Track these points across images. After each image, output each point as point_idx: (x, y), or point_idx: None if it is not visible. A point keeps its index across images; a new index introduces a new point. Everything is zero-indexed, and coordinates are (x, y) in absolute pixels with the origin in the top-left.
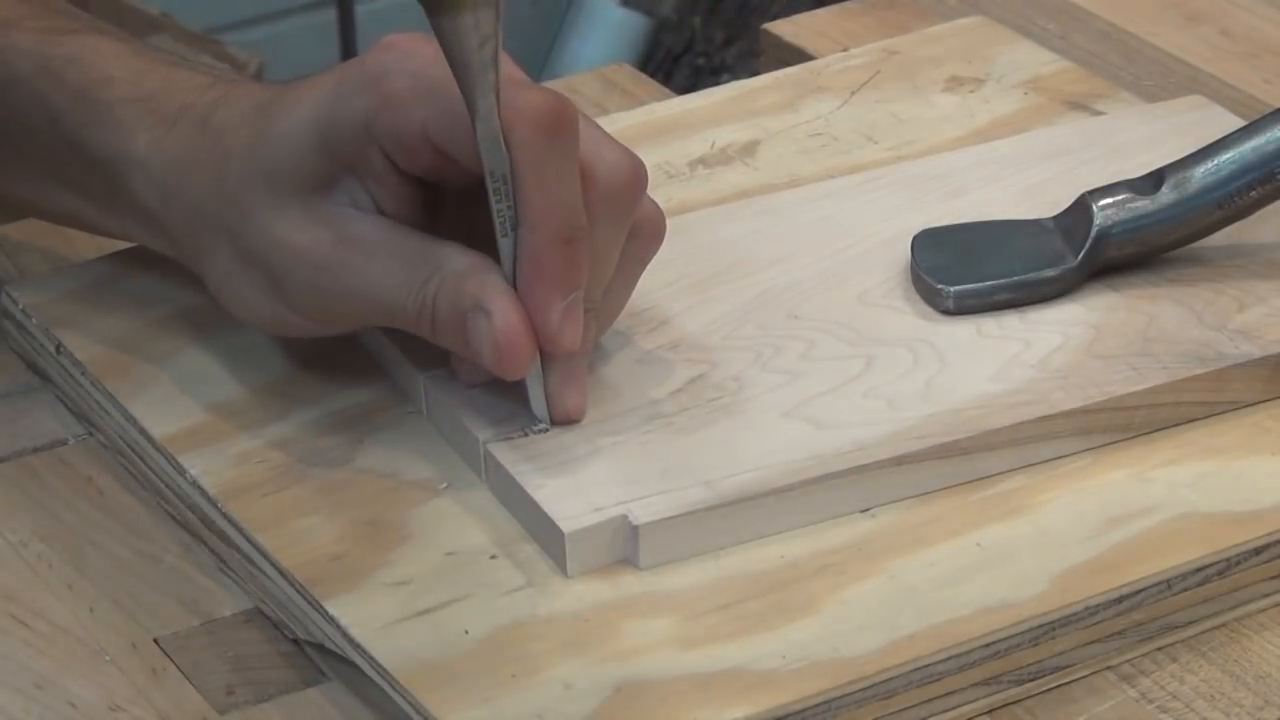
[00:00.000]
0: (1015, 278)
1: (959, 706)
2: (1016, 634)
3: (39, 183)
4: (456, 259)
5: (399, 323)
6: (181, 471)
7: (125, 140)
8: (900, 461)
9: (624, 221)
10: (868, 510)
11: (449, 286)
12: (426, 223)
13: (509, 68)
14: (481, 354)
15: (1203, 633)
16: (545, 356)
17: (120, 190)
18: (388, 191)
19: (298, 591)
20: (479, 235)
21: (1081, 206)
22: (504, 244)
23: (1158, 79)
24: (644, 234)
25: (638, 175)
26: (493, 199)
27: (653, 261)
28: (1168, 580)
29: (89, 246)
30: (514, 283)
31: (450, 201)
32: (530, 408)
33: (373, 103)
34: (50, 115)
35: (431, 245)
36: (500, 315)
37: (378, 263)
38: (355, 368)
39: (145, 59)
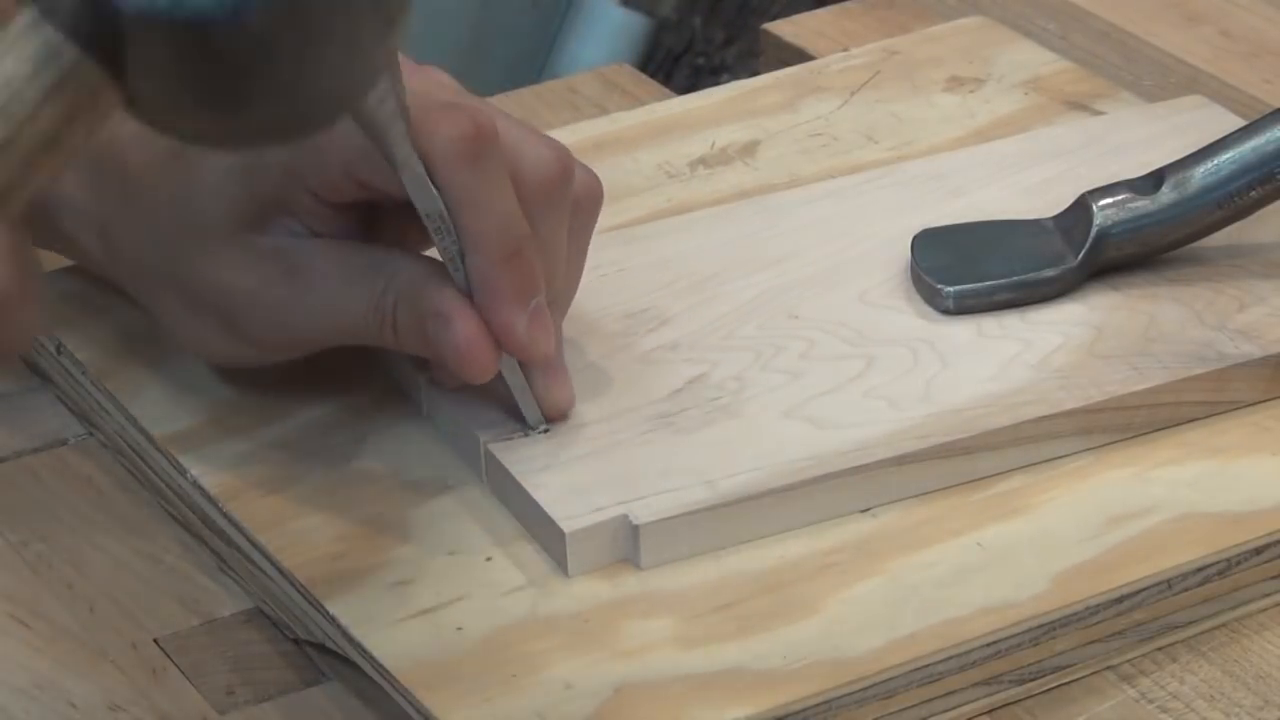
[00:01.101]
0: (1015, 278)
1: (959, 706)
2: (1016, 634)
3: None
4: (409, 267)
5: (362, 339)
6: (182, 471)
7: (57, 194)
8: (901, 461)
9: (562, 210)
10: (868, 510)
11: (406, 297)
12: (367, 232)
13: (420, 91)
14: (446, 360)
15: (1203, 633)
16: (523, 363)
17: (60, 229)
18: (322, 221)
19: (298, 591)
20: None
21: (1081, 206)
22: (457, 278)
23: (1158, 79)
24: (582, 208)
25: (564, 165)
26: (435, 239)
27: (653, 262)
28: (1168, 580)
29: None
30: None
31: (387, 205)
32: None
33: (290, 149)
34: None
35: (380, 256)
36: (460, 323)
37: (330, 286)
38: (355, 368)
39: None
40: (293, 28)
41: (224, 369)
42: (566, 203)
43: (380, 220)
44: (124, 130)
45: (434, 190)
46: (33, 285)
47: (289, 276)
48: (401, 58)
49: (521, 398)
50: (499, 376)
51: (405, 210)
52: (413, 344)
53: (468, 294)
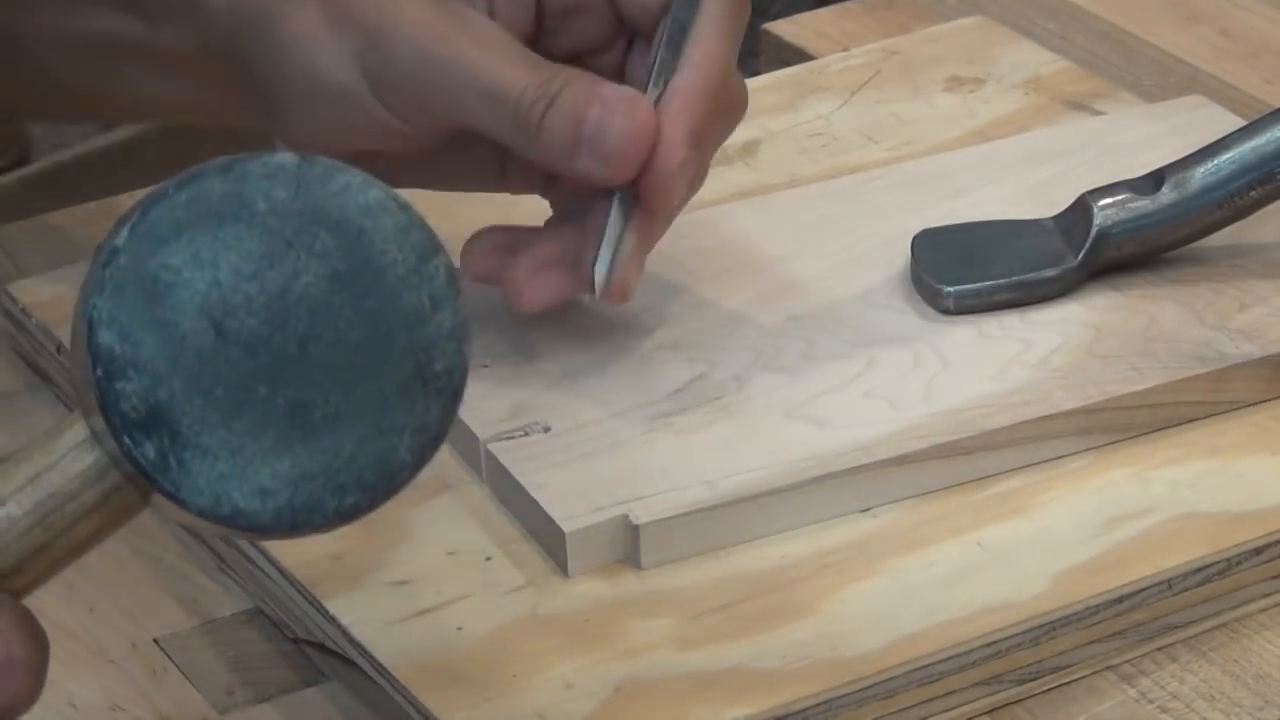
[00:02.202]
0: (1015, 278)
1: (959, 706)
2: (1017, 634)
3: (67, 3)
4: (586, 72)
5: (500, 114)
6: None
7: None
8: (901, 461)
9: (722, 140)
10: (868, 510)
11: (581, 85)
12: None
13: None
14: (602, 141)
15: (1203, 633)
16: (637, 213)
17: None
18: (514, 12)
19: (298, 591)
20: None
21: (1081, 206)
22: (652, 92)
23: (1158, 79)
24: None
25: (745, 105)
26: (662, 44)
27: (653, 261)
28: (1168, 580)
29: (89, 247)
30: None
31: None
32: (537, 404)
33: None
34: None
35: (555, 64)
36: (644, 111)
37: (501, 50)
38: None
39: None
40: (345, 522)
41: None
42: (723, 140)
43: None
44: None
45: (699, 4)
46: (42, 657)
47: (461, 24)
48: None
49: (606, 245)
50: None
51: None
52: (558, 131)
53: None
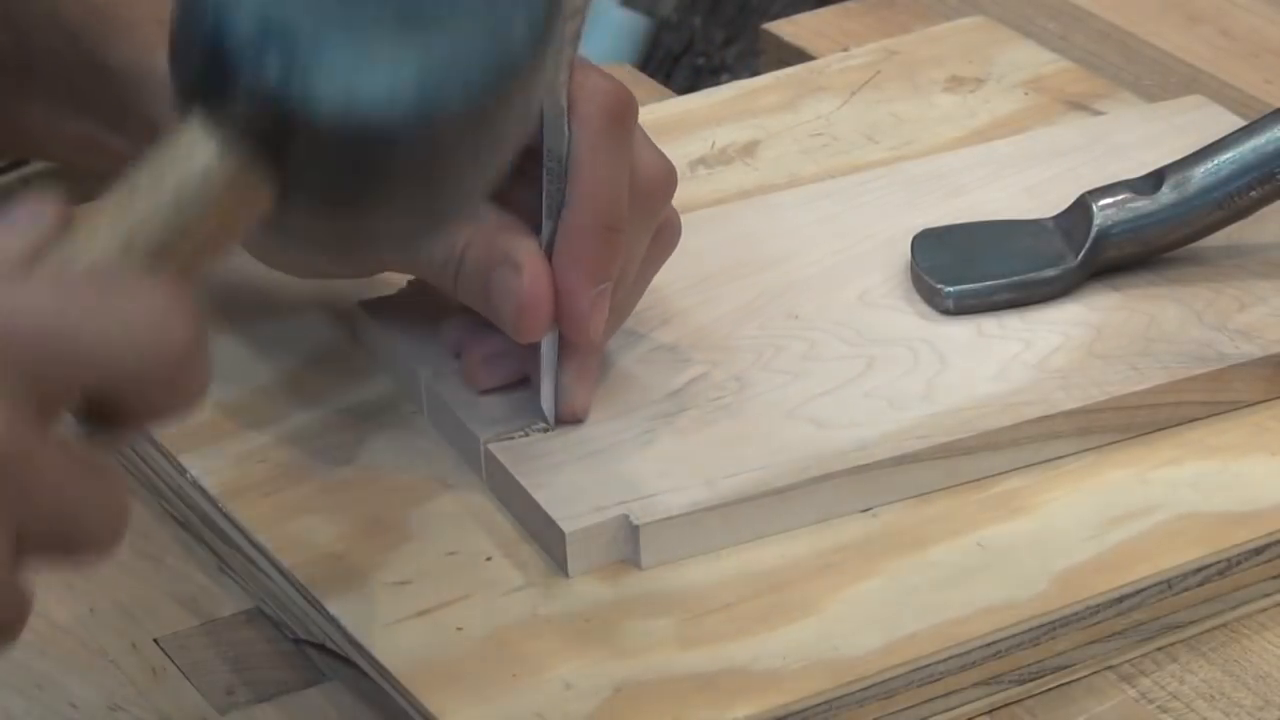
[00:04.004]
0: (1015, 278)
1: (959, 706)
2: (1017, 634)
3: (51, 105)
4: (490, 214)
5: (421, 270)
6: (182, 471)
7: (145, 55)
8: (901, 461)
9: (652, 223)
10: (869, 510)
11: (481, 238)
12: None
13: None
14: (502, 310)
15: (1203, 633)
16: (564, 347)
17: (135, 105)
18: None
19: (298, 591)
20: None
21: (1081, 206)
22: (547, 226)
23: (1158, 79)
24: (663, 238)
25: (672, 179)
26: (545, 182)
27: None
28: (1168, 580)
29: None
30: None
31: None
32: (537, 404)
33: None
34: (70, 33)
35: None
36: (530, 272)
37: None
38: (355, 368)
39: None
40: (472, 130)
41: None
42: (657, 219)
43: None
44: None
45: (566, 131)
46: (205, 340)
47: None
48: None
49: (545, 382)
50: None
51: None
52: (470, 289)
53: (545, 254)
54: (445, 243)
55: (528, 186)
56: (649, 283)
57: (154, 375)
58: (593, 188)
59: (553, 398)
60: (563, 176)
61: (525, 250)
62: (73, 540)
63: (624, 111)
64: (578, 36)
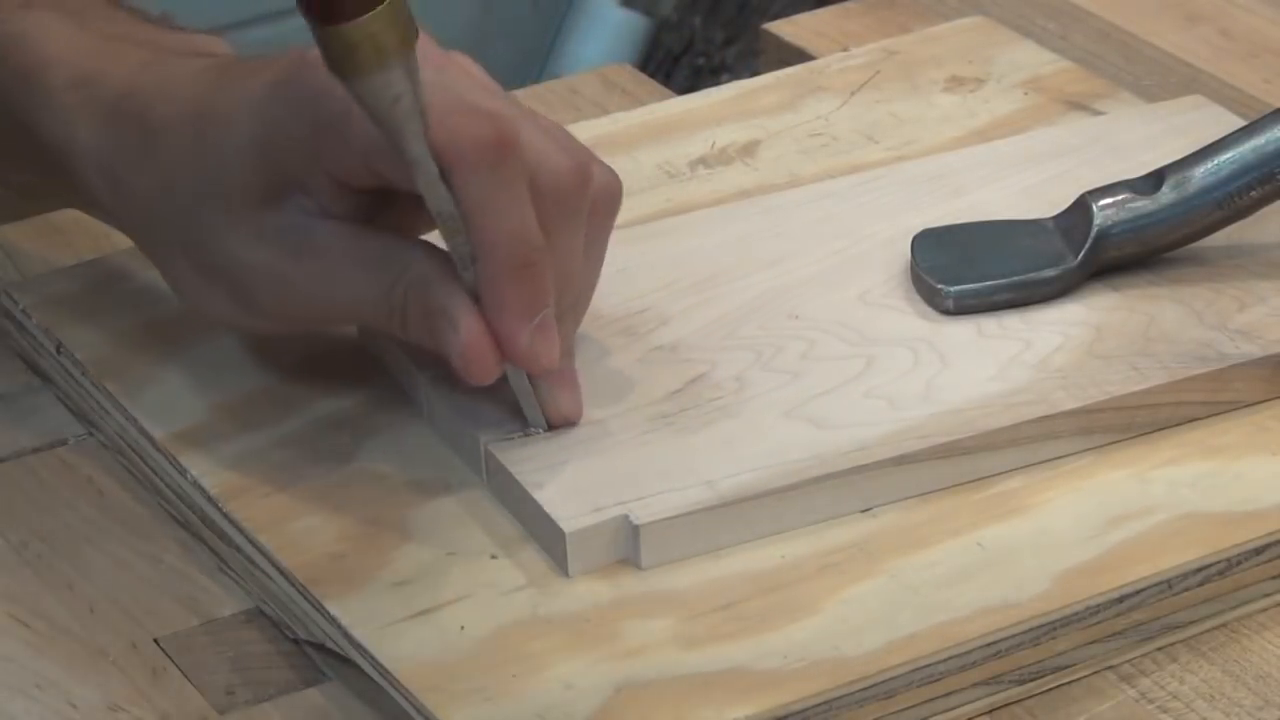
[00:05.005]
0: (1015, 278)
1: (959, 706)
2: (1017, 634)
3: None
4: (421, 261)
5: (370, 324)
6: (182, 471)
7: (68, 130)
8: (901, 461)
9: (578, 219)
10: (868, 510)
11: (416, 291)
12: (381, 215)
13: (444, 85)
14: (451, 359)
15: (1203, 633)
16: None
17: (72, 177)
18: (337, 202)
19: (298, 591)
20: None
21: (1081, 206)
22: (466, 277)
23: (1158, 79)
24: (600, 209)
25: (582, 175)
26: (446, 239)
27: (653, 262)
28: (1168, 580)
29: (89, 247)
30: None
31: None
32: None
33: (311, 129)
34: (1, 98)
35: (394, 246)
36: (465, 327)
37: (343, 271)
38: (355, 368)
39: (88, 34)
40: None
41: (238, 332)
42: (583, 213)
43: (395, 204)
44: (147, 80)
45: (446, 192)
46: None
47: (300, 256)
48: (429, 41)
49: (524, 401)
50: (504, 377)
51: (420, 200)
52: (421, 338)
53: (476, 296)
54: (383, 297)
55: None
56: (603, 254)
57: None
58: (492, 236)
59: (538, 412)
60: (462, 229)
61: (457, 300)
62: None
63: (498, 151)
64: (418, 107)
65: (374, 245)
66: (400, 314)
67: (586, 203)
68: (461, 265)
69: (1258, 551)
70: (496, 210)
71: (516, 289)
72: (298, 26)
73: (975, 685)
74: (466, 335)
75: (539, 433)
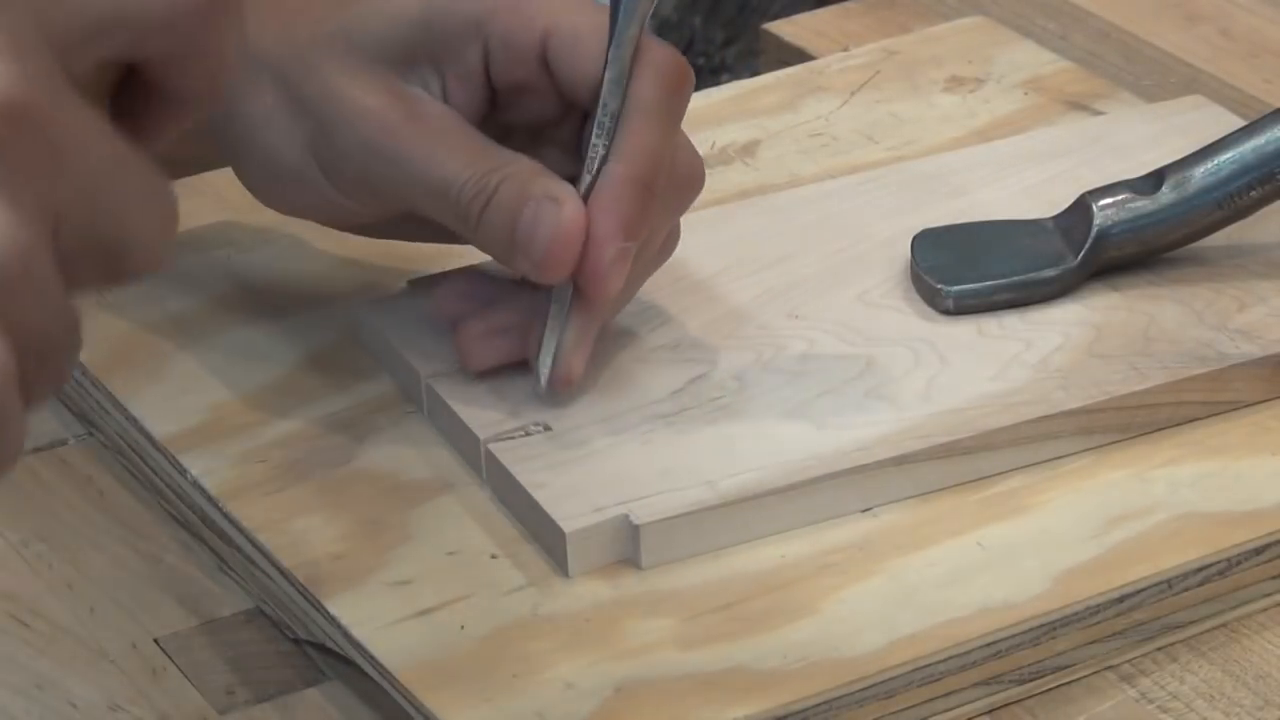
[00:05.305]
0: (1015, 278)
1: (959, 706)
2: (1017, 634)
3: None
4: (525, 162)
5: (442, 206)
6: (182, 471)
7: None
8: (901, 461)
9: (675, 217)
10: (868, 510)
11: (519, 176)
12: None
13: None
14: (530, 243)
15: (1203, 633)
16: (576, 304)
17: None
18: (466, 93)
19: (298, 591)
20: None
21: (1081, 206)
22: (584, 180)
23: (1158, 79)
24: (667, 243)
25: (700, 180)
26: (595, 132)
27: None
28: (1168, 580)
29: None
30: None
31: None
32: (537, 403)
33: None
34: None
35: (502, 148)
36: (571, 206)
37: (448, 141)
38: (355, 368)
39: None
40: None
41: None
42: (678, 215)
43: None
44: None
45: (623, 92)
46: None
47: (409, 116)
48: None
49: (549, 337)
50: (500, 373)
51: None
52: (495, 225)
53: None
54: (476, 176)
55: (559, 151)
56: (641, 285)
57: (179, 27)
58: (641, 143)
59: (551, 355)
60: (612, 132)
61: (565, 189)
62: (116, 237)
63: (683, 81)
64: (652, 6)
65: (481, 139)
66: (485, 198)
67: (687, 207)
68: (589, 167)
69: (1258, 551)
70: (655, 127)
71: (633, 200)
72: None
73: (975, 685)
74: (570, 217)
75: (540, 432)
